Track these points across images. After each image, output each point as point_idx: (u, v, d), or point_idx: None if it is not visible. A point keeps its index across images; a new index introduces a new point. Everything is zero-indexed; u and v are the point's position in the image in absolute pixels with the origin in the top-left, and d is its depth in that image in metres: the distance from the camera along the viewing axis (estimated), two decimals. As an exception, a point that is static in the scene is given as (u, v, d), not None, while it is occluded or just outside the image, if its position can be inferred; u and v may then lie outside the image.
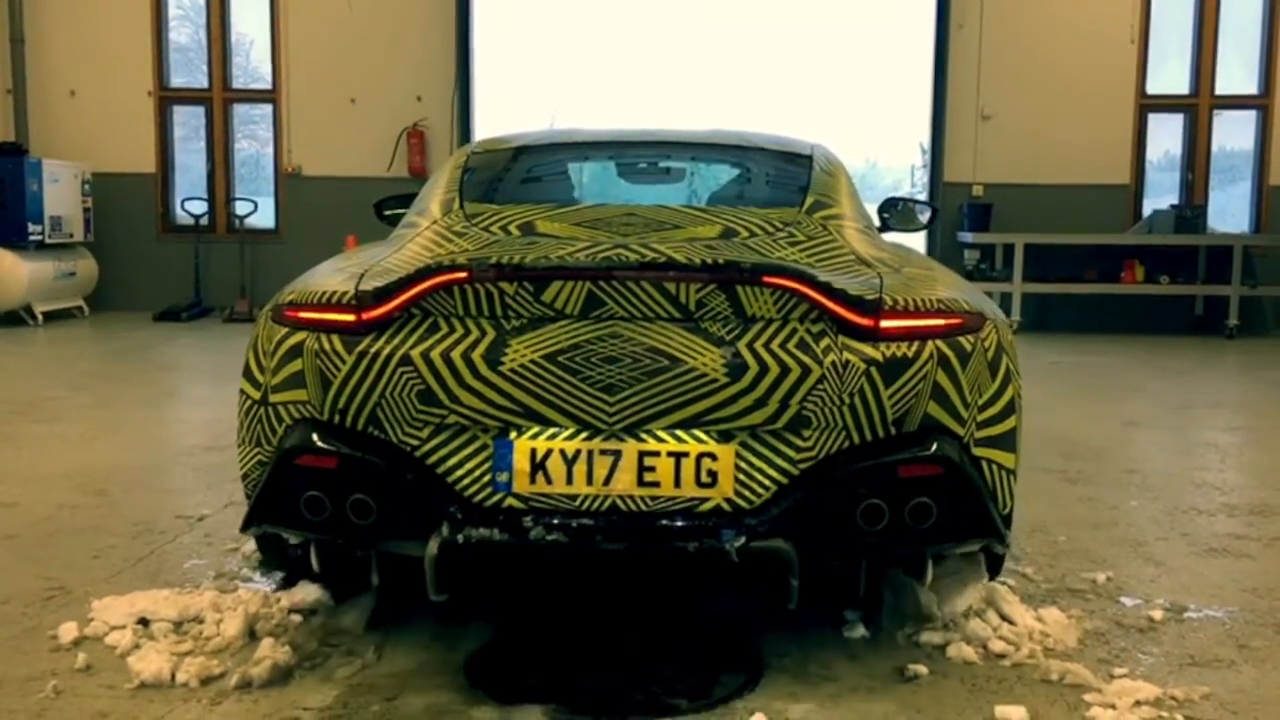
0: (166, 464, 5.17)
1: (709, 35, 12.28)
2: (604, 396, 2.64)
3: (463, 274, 2.68)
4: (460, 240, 3.19)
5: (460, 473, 2.71)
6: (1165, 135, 11.99)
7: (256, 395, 2.92)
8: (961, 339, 2.79)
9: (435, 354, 2.68)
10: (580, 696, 2.69)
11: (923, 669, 2.83)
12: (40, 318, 10.80)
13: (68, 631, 3.00)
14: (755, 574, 2.74)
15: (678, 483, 2.66)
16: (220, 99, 12.30)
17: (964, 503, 2.76)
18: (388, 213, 4.47)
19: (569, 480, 2.67)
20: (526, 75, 12.55)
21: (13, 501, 4.40)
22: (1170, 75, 11.86)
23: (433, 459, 2.71)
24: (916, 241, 9.64)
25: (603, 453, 2.66)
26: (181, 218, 12.11)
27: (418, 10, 11.85)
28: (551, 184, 3.98)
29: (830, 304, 2.69)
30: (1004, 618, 3.10)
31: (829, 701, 2.68)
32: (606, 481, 2.66)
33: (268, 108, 12.33)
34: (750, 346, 2.66)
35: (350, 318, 2.76)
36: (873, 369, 2.68)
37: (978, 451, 2.82)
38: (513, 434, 2.69)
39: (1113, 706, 2.63)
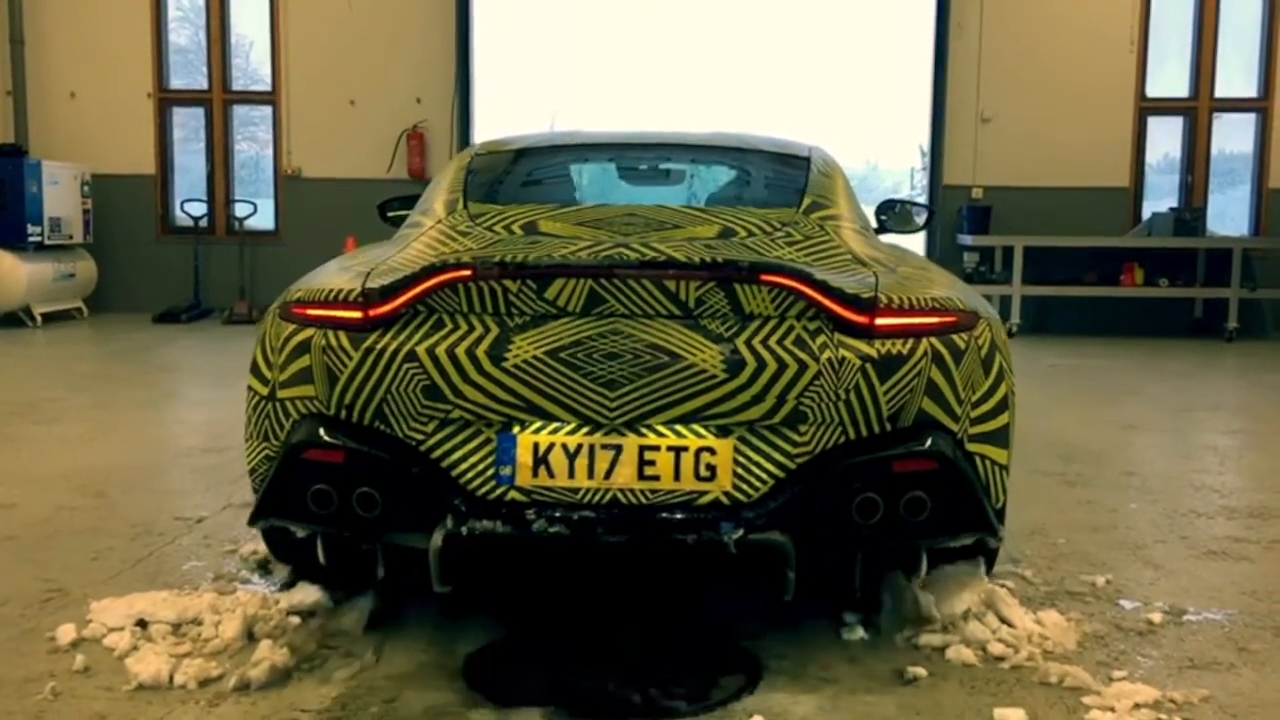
0: (165, 465, 5.17)
1: (709, 37, 12.28)
2: (605, 392, 2.70)
3: (467, 272, 2.74)
4: (464, 239, 3.24)
5: (464, 466, 2.75)
6: (1165, 138, 12.00)
7: (264, 391, 2.97)
8: (955, 337, 2.85)
9: (440, 350, 2.73)
10: (579, 698, 2.69)
11: (922, 671, 2.83)
12: (39, 319, 10.80)
13: (66, 633, 2.99)
14: (752, 566, 2.78)
15: (677, 476, 2.71)
16: (220, 100, 12.30)
17: (958, 497, 2.81)
18: (391, 214, 4.53)
19: (571, 474, 2.71)
20: (526, 77, 12.55)
21: (11, 503, 4.40)
22: (1170, 78, 11.87)
23: (437, 453, 2.76)
24: (916, 244, 9.63)
25: (604, 447, 2.71)
26: (181, 219, 12.11)
27: (418, 12, 11.85)
28: (554, 185, 4.04)
29: (827, 302, 2.74)
30: (1003, 620, 3.09)
31: (828, 703, 2.68)
32: (607, 475, 2.71)
33: (267, 109, 12.33)
34: (748, 343, 2.71)
35: (357, 314, 2.81)
36: (868, 365, 2.73)
37: (971, 447, 2.88)
38: (516, 428, 2.74)
39: (1112, 709, 2.63)
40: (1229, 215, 12.10)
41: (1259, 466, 5.53)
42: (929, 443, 2.77)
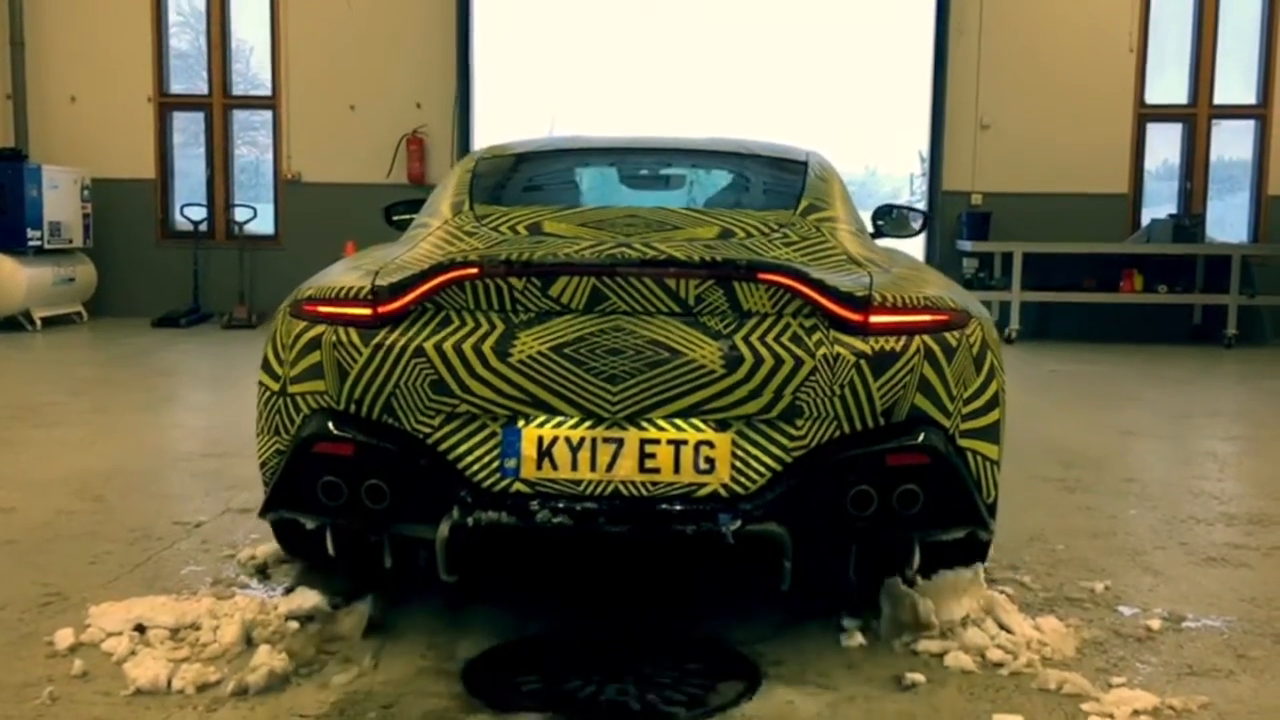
0: (164, 470, 5.17)
1: (709, 42, 12.30)
2: (607, 386, 2.77)
3: (474, 270, 2.83)
4: (471, 239, 3.32)
5: (470, 459, 2.83)
6: (1164, 145, 12.01)
7: (275, 386, 3.04)
8: (947, 334, 2.92)
9: (447, 346, 2.81)
10: (577, 704, 2.69)
11: (920, 677, 2.83)
12: (39, 323, 10.80)
13: (64, 638, 2.99)
14: (750, 557, 2.85)
15: (677, 469, 2.78)
16: (220, 105, 12.31)
17: (949, 490, 2.89)
18: (396, 218, 4.60)
19: (574, 466, 2.79)
20: (526, 82, 12.57)
21: (10, 507, 4.39)
22: (1169, 85, 11.89)
23: (444, 446, 2.84)
24: (915, 249, 9.64)
25: (606, 440, 2.79)
26: (181, 224, 12.11)
27: (417, 17, 11.86)
28: (557, 188, 4.12)
29: (822, 300, 2.82)
30: (1002, 626, 3.10)
31: (826, 709, 2.68)
32: (610, 467, 2.79)
33: (267, 114, 12.34)
34: (746, 340, 2.80)
35: (367, 312, 2.90)
36: (862, 362, 2.81)
37: (963, 442, 2.95)
38: (521, 422, 2.82)
39: (1110, 716, 2.63)
40: (1228, 222, 12.11)
41: (1258, 473, 5.52)
42: (922, 437, 2.85)
